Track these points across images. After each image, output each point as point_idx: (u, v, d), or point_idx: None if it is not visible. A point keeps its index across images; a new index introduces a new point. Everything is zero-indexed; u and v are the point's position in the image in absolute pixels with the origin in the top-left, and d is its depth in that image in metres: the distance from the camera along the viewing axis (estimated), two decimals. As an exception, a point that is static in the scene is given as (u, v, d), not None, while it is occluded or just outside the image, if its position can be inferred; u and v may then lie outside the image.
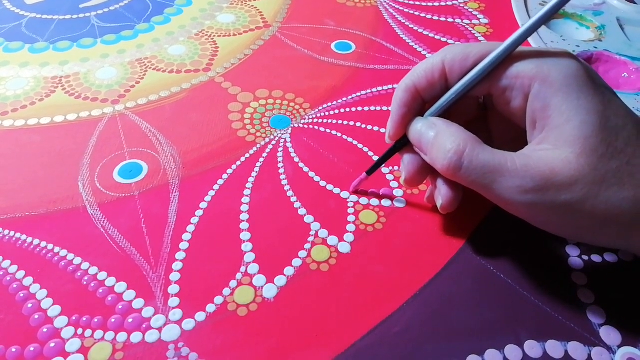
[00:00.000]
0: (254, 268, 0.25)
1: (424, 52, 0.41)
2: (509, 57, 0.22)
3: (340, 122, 0.34)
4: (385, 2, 0.48)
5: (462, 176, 0.22)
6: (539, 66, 0.21)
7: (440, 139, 0.23)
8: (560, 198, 0.20)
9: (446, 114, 0.25)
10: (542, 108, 0.21)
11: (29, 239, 0.26)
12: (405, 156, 0.26)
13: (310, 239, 0.27)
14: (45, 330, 0.23)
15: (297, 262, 0.26)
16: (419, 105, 0.25)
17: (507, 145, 0.22)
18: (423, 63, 0.25)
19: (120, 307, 0.24)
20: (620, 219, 0.20)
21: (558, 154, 0.20)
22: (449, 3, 0.48)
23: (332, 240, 0.27)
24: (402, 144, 0.26)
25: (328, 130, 0.33)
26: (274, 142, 0.32)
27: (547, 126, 0.21)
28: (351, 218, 0.28)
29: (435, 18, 0.46)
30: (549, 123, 0.21)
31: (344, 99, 0.36)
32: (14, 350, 0.22)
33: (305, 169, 0.31)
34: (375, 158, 0.31)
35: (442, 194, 0.25)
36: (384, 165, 0.31)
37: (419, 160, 0.25)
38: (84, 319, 0.23)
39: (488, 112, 0.27)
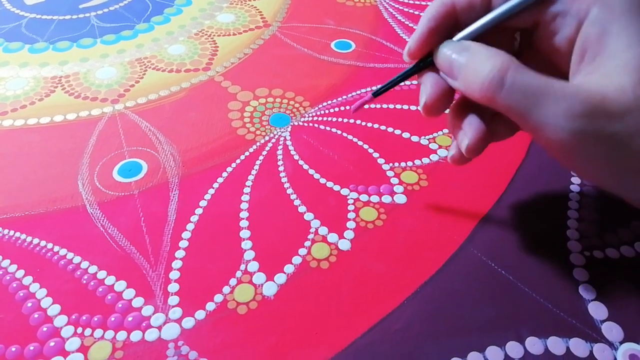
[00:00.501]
0: (253, 266, 0.25)
1: (423, 50, 0.41)
2: None
3: (339, 119, 0.34)
4: (384, 1, 0.48)
5: (502, 97, 0.20)
6: None
7: (476, 58, 0.21)
8: (610, 128, 0.18)
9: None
10: (598, 34, 0.20)
11: (29, 238, 0.26)
12: (427, 75, 0.23)
13: (310, 236, 0.27)
14: (44, 329, 0.23)
15: (297, 260, 0.25)
16: (451, 25, 0.23)
17: None
18: None
19: (119, 305, 0.24)
20: None
21: (612, 80, 0.19)
22: (449, 1, 0.48)
23: (332, 237, 0.27)
24: (424, 65, 0.23)
25: (328, 128, 0.33)
26: (273, 140, 0.32)
27: (600, 54, 0.20)
28: (351, 215, 0.28)
29: (435, 16, 0.46)
30: (603, 50, 0.19)
31: (344, 97, 0.36)
32: (13, 349, 0.22)
33: (305, 167, 0.31)
34: (376, 155, 0.31)
35: (470, 132, 0.22)
36: (385, 162, 0.31)
37: (441, 83, 0.23)
38: (84, 318, 0.23)
39: (524, 56, 0.23)
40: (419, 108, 0.23)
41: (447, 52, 0.22)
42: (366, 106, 0.26)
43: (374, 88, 0.24)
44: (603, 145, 0.19)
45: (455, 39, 0.22)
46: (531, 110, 0.19)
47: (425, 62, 0.23)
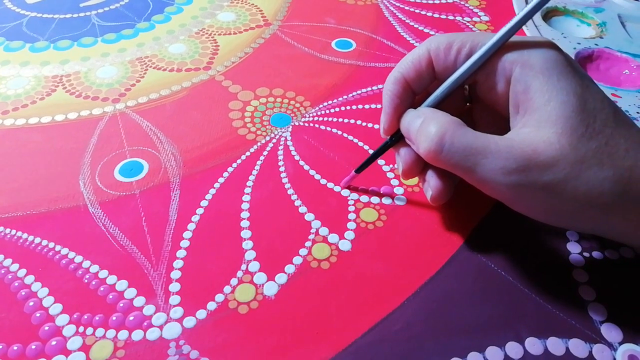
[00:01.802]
0: (254, 266, 0.25)
1: (424, 50, 0.41)
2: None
3: (340, 120, 0.34)
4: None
5: (444, 159, 0.22)
6: (519, 52, 0.22)
7: (425, 124, 0.23)
8: (543, 178, 0.20)
9: (436, 107, 0.25)
10: (523, 91, 0.22)
11: (30, 237, 0.26)
12: (402, 149, 0.26)
13: (311, 236, 0.27)
14: (46, 328, 0.23)
15: (297, 260, 0.26)
16: (409, 96, 0.26)
17: None
18: (409, 54, 0.25)
19: (121, 305, 0.24)
20: (600, 200, 0.20)
21: (540, 134, 0.21)
22: (450, 0, 0.48)
23: (333, 238, 0.27)
24: (397, 138, 0.26)
25: (328, 129, 0.33)
26: (274, 141, 0.32)
27: (529, 109, 0.22)
28: (352, 216, 0.28)
29: (436, 15, 0.46)
30: (530, 105, 0.21)
31: (345, 97, 0.36)
32: (15, 348, 0.22)
33: (306, 167, 0.31)
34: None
35: (431, 186, 0.25)
36: (385, 163, 0.31)
37: (413, 152, 0.25)
38: (85, 317, 0.23)
39: (473, 106, 0.27)
40: (399, 174, 0.26)
41: (406, 124, 0.25)
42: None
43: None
44: (539, 194, 0.21)
45: (422, 105, 0.25)
46: (471, 169, 0.22)
47: (397, 136, 0.26)
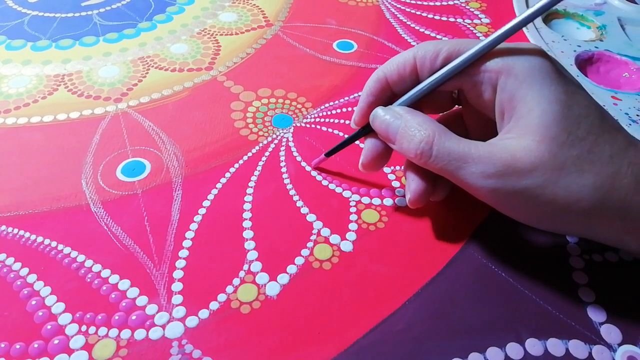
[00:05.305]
0: (256, 266, 0.25)
1: (425, 52, 0.41)
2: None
3: (342, 121, 0.34)
4: (386, 1, 0.48)
5: (432, 164, 0.23)
6: (504, 60, 0.22)
7: (409, 129, 0.24)
8: (521, 183, 0.21)
9: (418, 106, 0.25)
10: (508, 99, 0.22)
11: (33, 236, 0.26)
12: (367, 141, 0.27)
13: (313, 237, 0.27)
14: (49, 327, 0.23)
15: (299, 261, 0.26)
16: (387, 96, 0.26)
17: (482, 139, 0.23)
18: (397, 57, 0.26)
19: (123, 304, 0.24)
20: (579, 205, 0.20)
21: (520, 141, 0.21)
22: (451, 2, 0.48)
23: (335, 238, 0.27)
24: (366, 131, 0.27)
25: (330, 130, 0.34)
26: (276, 141, 0.33)
27: (513, 116, 0.22)
28: (353, 217, 0.28)
29: (437, 17, 0.46)
30: (514, 113, 0.22)
31: (346, 98, 0.36)
32: (18, 346, 0.22)
33: (308, 168, 0.31)
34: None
35: (410, 190, 0.26)
36: (386, 165, 0.31)
37: (379, 147, 0.26)
38: (88, 316, 0.23)
39: (464, 110, 0.28)
40: (359, 166, 0.27)
41: (382, 122, 0.25)
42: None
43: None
44: (518, 197, 0.22)
45: (394, 104, 0.26)
46: (455, 172, 0.23)
47: (367, 129, 0.27)
